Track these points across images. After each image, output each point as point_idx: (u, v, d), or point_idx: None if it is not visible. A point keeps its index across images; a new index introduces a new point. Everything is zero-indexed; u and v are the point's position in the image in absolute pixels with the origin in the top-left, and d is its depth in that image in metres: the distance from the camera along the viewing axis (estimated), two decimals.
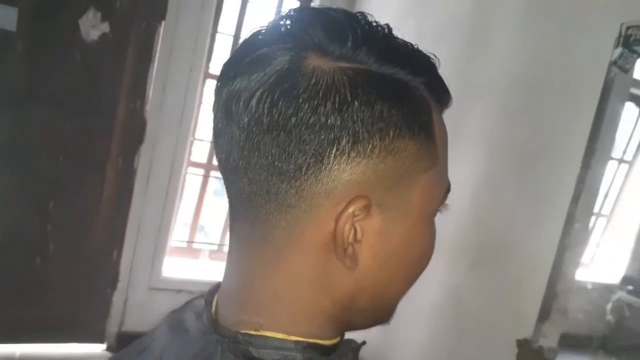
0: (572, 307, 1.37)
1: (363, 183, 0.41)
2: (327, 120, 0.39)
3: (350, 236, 0.42)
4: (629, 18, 1.28)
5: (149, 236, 2.59)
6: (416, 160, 0.43)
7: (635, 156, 1.63)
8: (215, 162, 2.93)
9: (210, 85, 2.76)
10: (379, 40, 0.43)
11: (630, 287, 1.45)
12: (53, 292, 2.41)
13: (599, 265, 1.58)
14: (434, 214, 0.47)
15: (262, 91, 0.40)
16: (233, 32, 2.75)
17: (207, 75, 2.70)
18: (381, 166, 0.41)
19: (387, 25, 0.44)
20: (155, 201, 2.57)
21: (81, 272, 2.46)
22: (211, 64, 2.70)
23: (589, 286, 1.41)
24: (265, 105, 0.40)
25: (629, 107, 1.48)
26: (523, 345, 1.45)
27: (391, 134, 0.41)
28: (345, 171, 0.40)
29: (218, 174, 3.20)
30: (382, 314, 0.50)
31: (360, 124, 0.39)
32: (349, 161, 0.40)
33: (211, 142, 2.92)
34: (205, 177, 3.01)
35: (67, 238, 2.41)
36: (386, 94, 0.41)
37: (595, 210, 1.48)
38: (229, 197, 0.47)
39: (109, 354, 2.57)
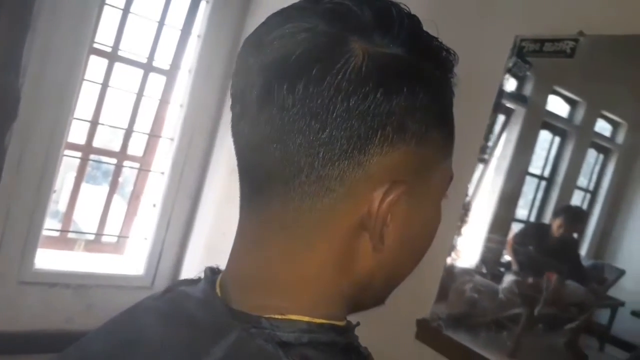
0: (467, 288, 1.52)
1: (398, 169, 0.43)
2: (376, 108, 0.40)
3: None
4: (522, 31, 1.45)
5: (20, 224, 2.33)
6: (440, 150, 0.46)
7: (490, 157, 1.84)
8: (95, 144, 2.74)
9: (96, 61, 2.55)
10: (416, 33, 0.44)
11: (484, 271, 1.63)
12: None
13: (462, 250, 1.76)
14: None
15: (310, 74, 0.39)
16: (123, 5, 2.56)
17: (92, 51, 2.49)
18: (415, 153, 0.43)
19: (417, 17, 0.45)
20: (28, 185, 2.32)
21: None
22: (97, 38, 2.49)
23: (484, 269, 1.57)
24: (314, 89, 0.39)
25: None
26: (422, 325, 1.57)
27: (429, 123, 0.43)
28: (386, 157, 0.42)
29: (97, 157, 2.98)
30: (386, 294, 0.52)
31: (405, 113, 0.41)
32: (391, 147, 0.41)
33: (94, 123, 2.70)
34: (84, 161, 2.78)
35: None
36: (428, 85, 0.43)
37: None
38: (251, 178, 0.46)
39: None
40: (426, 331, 1.56)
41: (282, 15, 0.43)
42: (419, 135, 0.42)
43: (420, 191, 0.46)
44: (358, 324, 0.54)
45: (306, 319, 0.43)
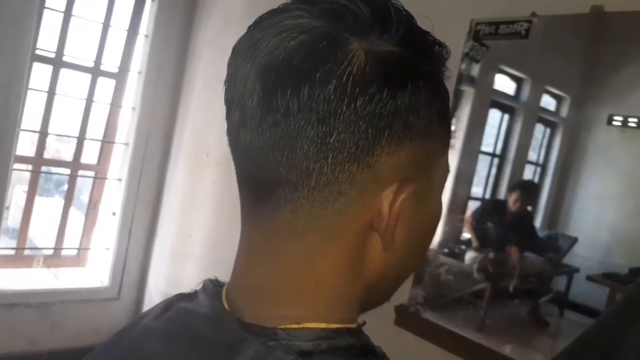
0: (442, 270, 1.55)
1: (405, 167, 0.42)
2: (382, 108, 0.39)
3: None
4: (477, 15, 1.48)
5: None
6: (441, 143, 0.46)
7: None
8: (46, 155, 2.62)
9: (40, 69, 2.43)
10: (411, 29, 0.43)
11: (446, 250, 1.67)
12: None
13: None
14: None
15: (314, 77, 0.38)
16: (63, 8, 2.45)
17: (35, 57, 2.37)
18: (420, 150, 0.43)
19: (410, 13, 0.44)
20: None
21: None
22: (39, 44, 2.37)
23: (447, 249, 1.60)
24: (320, 93, 0.38)
25: None
26: (400, 310, 1.59)
27: (432, 117, 0.43)
28: (393, 156, 0.41)
29: (49, 168, 2.85)
30: (394, 291, 0.51)
31: (410, 110, 0.41)
32: (398, 145, 0.41)
33: (41, 132, 2.58)
34: (35, 174, 2.66)
35: None
36: (428, 81, 0.42)
37: None
38: (255, 187, 0.44)
39: None
40: (405, 316, 1.58)
41: (275, 17, 0.42)
42: (423, 131, 0.42)
43: (425, 187, 0.46)
44: (364, 323, 0.54)
45: (322, 325, 0.42)
